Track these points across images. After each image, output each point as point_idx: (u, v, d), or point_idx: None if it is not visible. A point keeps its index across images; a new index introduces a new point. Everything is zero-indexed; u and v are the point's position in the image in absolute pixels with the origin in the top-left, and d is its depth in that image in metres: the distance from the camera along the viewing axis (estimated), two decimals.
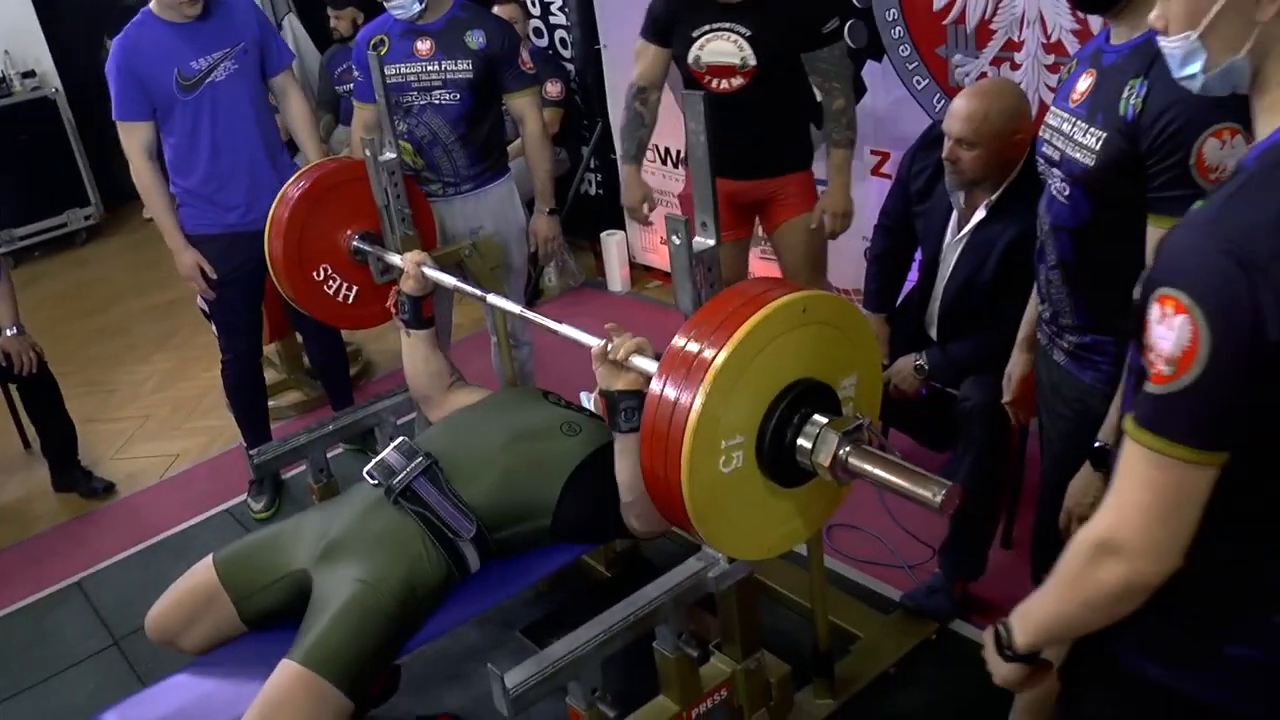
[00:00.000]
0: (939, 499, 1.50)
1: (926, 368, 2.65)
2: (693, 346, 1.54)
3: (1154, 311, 1.05)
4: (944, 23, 3.23)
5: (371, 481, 2.18)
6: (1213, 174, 1.57)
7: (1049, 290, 1.93)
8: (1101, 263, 1.82)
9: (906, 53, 3.37)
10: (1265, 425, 1.05)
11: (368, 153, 2.56)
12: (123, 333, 5.26)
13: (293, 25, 6.52)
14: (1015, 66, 3.11)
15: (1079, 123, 1.76)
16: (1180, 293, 1.02)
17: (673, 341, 1.58)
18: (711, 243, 1.72)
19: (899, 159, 3.48)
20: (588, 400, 2.40)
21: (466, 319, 4.37)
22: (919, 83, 3.38)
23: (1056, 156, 1.82)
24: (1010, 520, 2.81)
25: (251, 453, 2.58)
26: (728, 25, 2.91)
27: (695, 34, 2.95)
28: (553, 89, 4.76)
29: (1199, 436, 1.04)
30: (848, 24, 3.46)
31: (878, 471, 1.57)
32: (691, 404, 1.51)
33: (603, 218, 4.89)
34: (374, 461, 2.19)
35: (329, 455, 2.72)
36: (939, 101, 3.34)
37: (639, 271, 4.94)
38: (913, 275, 2.98)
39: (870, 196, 3.59)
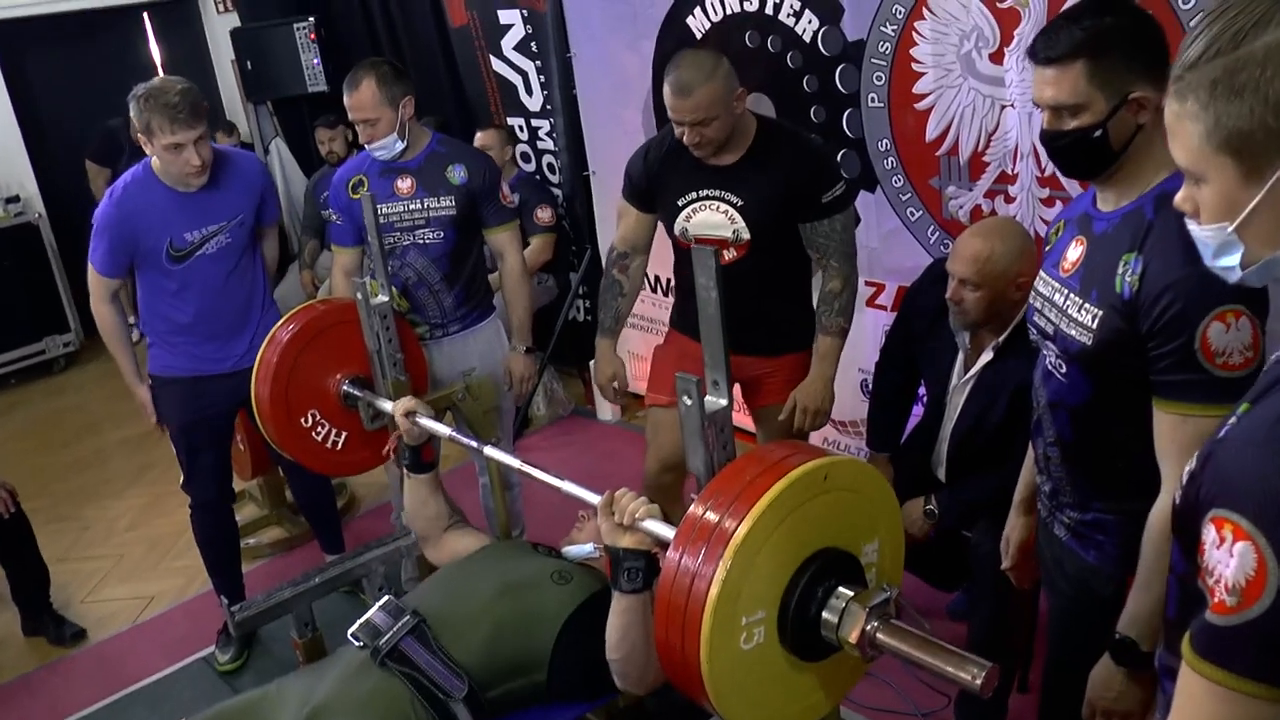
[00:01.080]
0: (979, 681, 1.41)
1: (936, 512, 2.57)
2: (711, 516, 1.47)
3: (1209, 534, 0.97)
4: (937, 154, 3.24)
5: (356, 644, 2.09)
6: (1219, 359, 1.49)
7: (1047, 465, 1.85)
8: (1104, 443, 1.73)
9: (900, 184, 3.37)
10: None
11: (359, 296, 2.50)
12: (97, 465, 5.13)
13: (279, 149, 6.59)
14: (1010, 199, 3.10)
15: (1072, 296, 1.69)
16: (1240, 517, 0.94)
17: (690, 510, 1.51)
18: (724, 403, 1.65)
19: (893, 290, 3.47)
20: (573, 552, 2.30)
21: (453, 449, 4.27)
22: (913, 214, 3.37)
23: (1050, 330, 1.74)
24: (1027, 664, 2.70)
25: (233, 609, 2.46)
26: (716, 193, 2.69)
27: (681, 203, 2.74)
28: (543, 214, 4.72)
29: (1270, 671, 0.95)
30: (839, 154, 3.47)
31: (909, 650, 1.48)
32: (711, 578, 1.42)
33: (592, 345, 4.83)
34: (358, 623, 2.11)
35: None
36: (933, 233, 3.33)
37: (629, 400, 4.86)
38: (916, 410, 2.92)
39: (865, 328, 3.56)
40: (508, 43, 4.86)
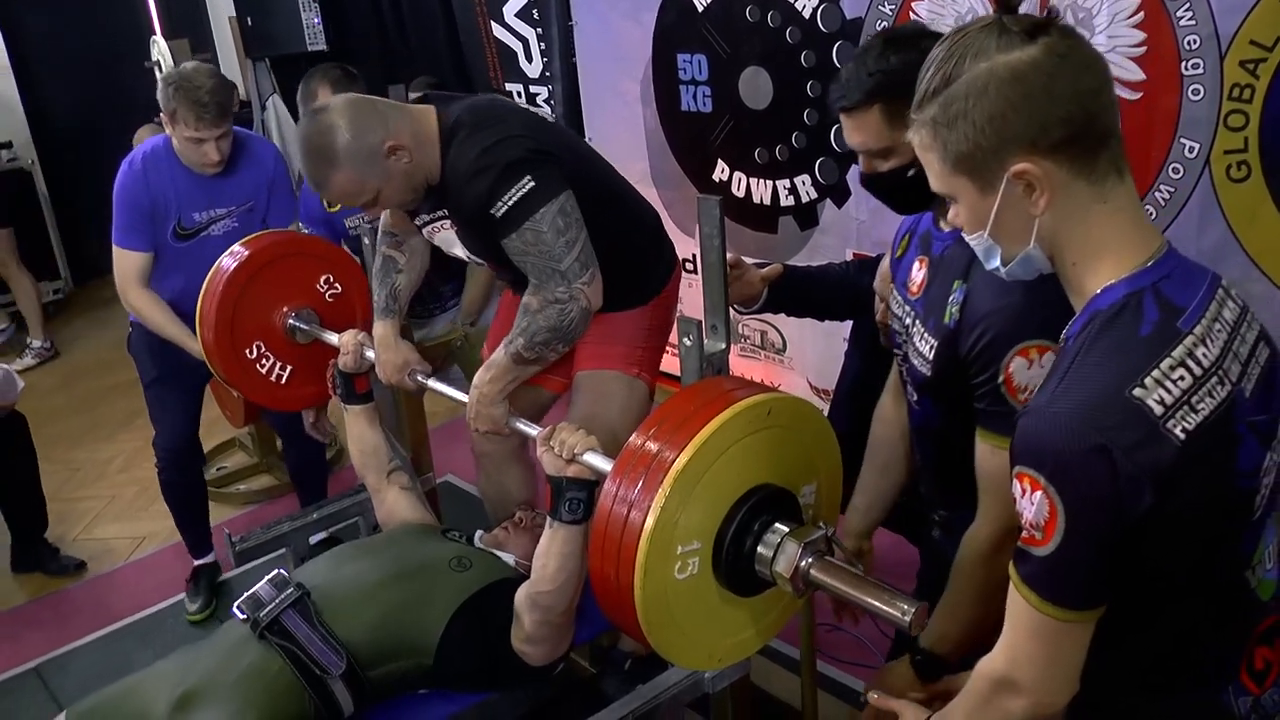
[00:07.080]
0: (908, 617, 1.45)
1: None
2: (651, 446, 1.49)
3: (1017, 487, 1.14)
4: None
5: (240, 616, 2.05)
6: (1021, 394, 1.50)
7: (922, 475, 1.87)
8: (960, 466, 1.67)
9: None
10: (1134, 583, 1.15)
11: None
12: (85, 411, 5.16)
13: (276, 106, 6.56)
14: None
15: (916, 323, 1.68)
16: (1034, 471, 1.11)
17: (630, 439, 1.54)
18: (722, 345, 1.71)
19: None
20: (480, 541, 2.32)
21: (440, 406, 4.32)
22: None
23: (902, 362, 1.75)
24: None
25: (234, 539, 2.53)
26: (441, 214, 2.33)
27: (419, 222, 2.43)
28: None
29: (1064, 599, 1.14)
30: (833, 128, 3.50)
31: (840, 585, 1.52)
32: (648, 507, 1.45)
33: None
34: (245, 595, 2.08)
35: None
36: None
37: None
38: None
39: None
40: (510, 9, 4.89)
